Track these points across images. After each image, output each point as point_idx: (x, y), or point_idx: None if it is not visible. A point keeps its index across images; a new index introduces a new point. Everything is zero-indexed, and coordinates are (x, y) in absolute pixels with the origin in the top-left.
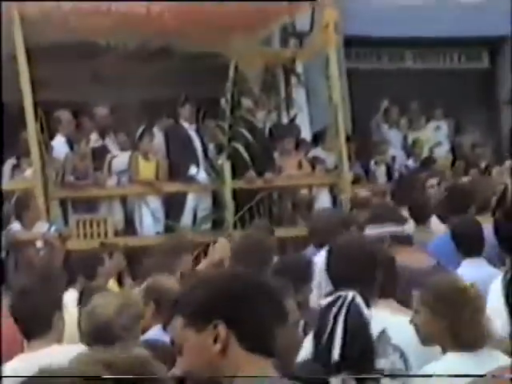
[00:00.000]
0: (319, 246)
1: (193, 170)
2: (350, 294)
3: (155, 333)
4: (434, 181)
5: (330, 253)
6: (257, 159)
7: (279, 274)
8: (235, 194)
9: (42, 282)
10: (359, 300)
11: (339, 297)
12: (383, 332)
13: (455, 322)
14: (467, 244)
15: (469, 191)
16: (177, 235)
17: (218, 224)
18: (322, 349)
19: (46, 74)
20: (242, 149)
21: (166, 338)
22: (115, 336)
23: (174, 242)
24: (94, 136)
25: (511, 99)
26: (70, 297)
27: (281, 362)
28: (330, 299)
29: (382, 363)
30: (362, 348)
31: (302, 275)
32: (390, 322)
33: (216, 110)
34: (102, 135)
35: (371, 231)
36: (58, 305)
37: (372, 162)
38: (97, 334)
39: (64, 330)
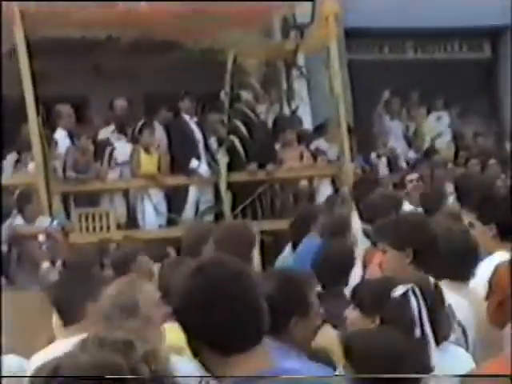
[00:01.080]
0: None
1: (194, 163)
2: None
3: None
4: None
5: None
6: (257, 152)
7: (324, 262)
8: (235, 186)
9: (79, 273)
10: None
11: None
12: (449, 307)
13: None
14: None
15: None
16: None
17: (220, 216)
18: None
19: (46, 68)
20: (237, 142)
21: None
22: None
23: None
24: (110, 128)
25: None
26: None
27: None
28: (401, 291)
29: (451, 338)
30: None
31: (346, 263)
32: (449, 299)
33: (218, 104)
34: (120, 127)
35: None
36: (93, 296)
37: (374, 155)
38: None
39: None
